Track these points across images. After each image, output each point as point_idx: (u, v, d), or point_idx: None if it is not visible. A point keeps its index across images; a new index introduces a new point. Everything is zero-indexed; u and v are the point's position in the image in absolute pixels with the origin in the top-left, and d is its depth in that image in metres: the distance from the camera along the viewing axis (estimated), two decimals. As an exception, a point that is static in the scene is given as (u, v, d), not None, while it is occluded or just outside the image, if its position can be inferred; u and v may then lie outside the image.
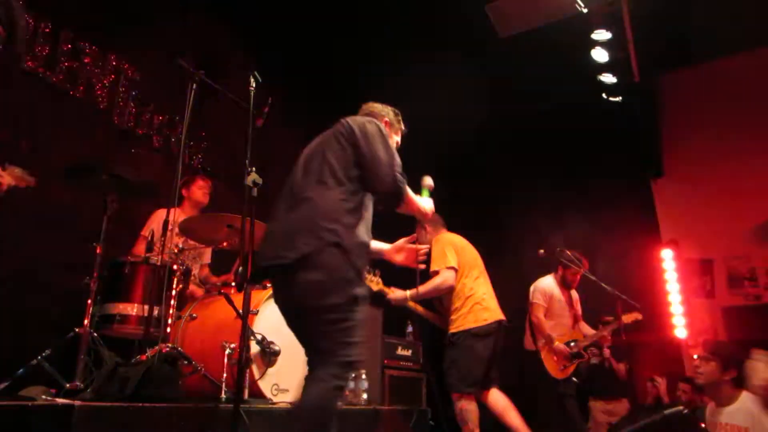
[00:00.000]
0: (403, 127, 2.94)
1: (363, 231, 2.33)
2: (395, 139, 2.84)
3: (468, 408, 3.86)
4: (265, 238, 2.36)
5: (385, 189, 2.39)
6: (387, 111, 2.89)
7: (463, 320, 4.00)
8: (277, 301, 2.38)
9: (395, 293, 4.06)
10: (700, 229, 6.65)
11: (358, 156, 2.39)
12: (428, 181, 3.00)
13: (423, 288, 4.00)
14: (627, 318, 4.99)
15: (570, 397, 4.92)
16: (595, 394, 5.68)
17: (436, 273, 4.05)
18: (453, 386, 3.91)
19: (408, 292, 4.03)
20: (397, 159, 2.46)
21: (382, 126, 2.57)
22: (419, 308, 4.36)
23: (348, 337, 2.14)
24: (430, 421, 4.48)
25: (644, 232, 6.72)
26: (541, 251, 5.16)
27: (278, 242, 2.25)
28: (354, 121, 2.53)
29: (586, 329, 5.17)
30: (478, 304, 4.02)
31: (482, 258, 4.59)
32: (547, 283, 5.15)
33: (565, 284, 5.13)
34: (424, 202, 2.73)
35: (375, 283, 3.98)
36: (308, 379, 2.14)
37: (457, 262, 4.10)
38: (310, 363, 2.21)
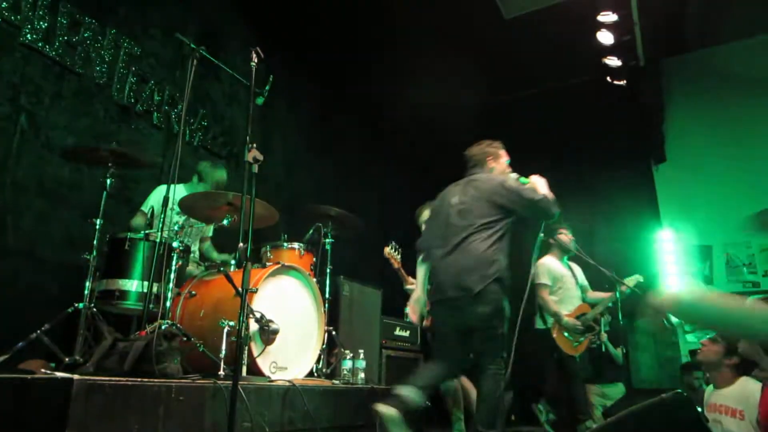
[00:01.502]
0: (504, 150, 3.70)
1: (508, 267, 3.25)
2: (504, 163, 3.63)
3: (464, 388, 3.97)
4: (442, 272, 3.28)
5: (549, 216, 3.38)
6: (489, 149, 3.64)
7: None
8: (445, 321, 3.33)
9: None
10: (700, 215, 6.66)
11: (510, 206, 3.30)
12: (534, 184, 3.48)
13: None
14: (630, 282, 4.99)
15: (579, 379, 4.95)
16: (591, 377, 5.71)
17: None
18: None
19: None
20: (543, 195, 3.33)
21: (509, 178, 3.47)
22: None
23: (501, 342, 3.15)
24: (426, 401, 4.51)
25: (645, 217, 6.72)
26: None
27: (457, 278, 3.18)
28: (492, 181, 3.41)
29: (596, 295, 5.20)
30: None
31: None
32: (549, 261, 5.12)
33: (562, 254, 5.16)
34: (540, 179, 3.48)
35: (395, 259, 4.05)
36: (482, 376, 3.14)
37: None
38: (480, 362, 3.17)
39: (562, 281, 5.05)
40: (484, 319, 3.12)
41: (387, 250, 4.09)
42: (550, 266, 5.07)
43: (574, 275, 5.18)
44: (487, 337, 3.16)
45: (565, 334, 4.90)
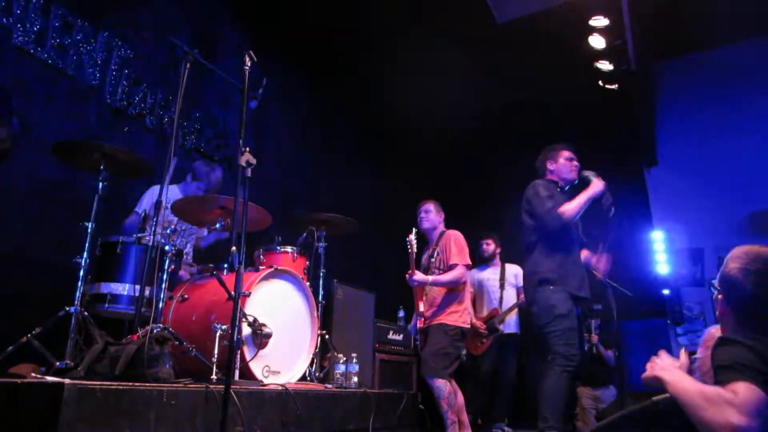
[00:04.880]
0: (566, 146, 3.92)
1: (565, 261, 3.58)
2: (562, 160, 3.86)
3: (454, 391, 3.98)
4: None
5: (552, 229, 3.56)
6: (553, 151, 3.91)
7: (458, 317, 4.14)
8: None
9: (419, 275, 4.16)
10: (691, 218, 6.69)
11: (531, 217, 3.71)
12: (587, 174, 3.79)
13: (442, 278, 4.15)
14: None
15: (474, 379, 5.43)
16: (583, 380, 5.73)
17: (455, 266, 4.15)
18: (437, 372, 3.97)
19: (430, 278, 4.16)
20: (547, 204, 3.57)
21: (538, 186, 3.71)
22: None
23: (563, 339, 3.40)
24: (420, 405, 4.51)
25: (636, 220, 6.75)
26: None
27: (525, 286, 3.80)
28: (525, 192, 3.76)
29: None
30: (468, 309, 4.28)
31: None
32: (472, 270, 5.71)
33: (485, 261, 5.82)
34: (592, 188, 3.64)
35: (412, 244, 4.21)
36: (545, 371, 3.41)
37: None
38: (547, 361, 3.45)
39: (480, 287, 5.69)
40: (535, 319, 3.58)
41: (411, 236, 4.22)
42: (475, 275, 5.77)
43: (502, 280, 5.67)
44: (542, 335, 3.53)
45: (475, 338, 5.45)
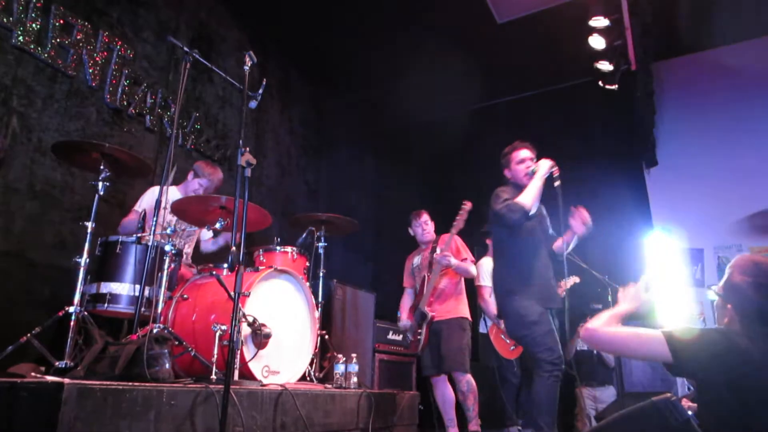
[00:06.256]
0: (518, 146, 3.67)
1: (531, 269, 3.43)
2: (514, 165, 3.64)
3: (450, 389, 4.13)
4: None
5: (515, 222, 3.37)
6: (505, 157, 3.72)
7: (466, 310, 4.41)
8: None
9: (450, 255, 4.28)
10: (691, 218, 6.68)
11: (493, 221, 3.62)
12: (538, 167, 3.50)
13: (466, 265, 4.37)
14: (564, 284, 4.82)
15: (510, 384, 5.11)
16: (582, 380, 5.73)
17: (465, 260, 4.40)
18: (463, 366, 4.16)
19: (454, 261, 4.28)
20: (503, 196, 3.46)
21: (498, 190, 3.55)
22: None
23: (542, 345, 3.28)
24: (419, 405, 4.51)
25: (636, 220, 6.75)
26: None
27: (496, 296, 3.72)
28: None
29: None
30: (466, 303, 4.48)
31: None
32: (488, 261, 5.17)
33: None
34: (540, 171, 3.45)
35: (466, 211, 4.36)
36: (534, 377, 3.32)
37: None
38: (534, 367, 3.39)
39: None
40: (510, 330, 3.61)
41: (468, 205, 4.40)
42: (489, 266, 5.03)
43: None
44: (523, 343, 3.60)
45: (502, 337, 5.07)
